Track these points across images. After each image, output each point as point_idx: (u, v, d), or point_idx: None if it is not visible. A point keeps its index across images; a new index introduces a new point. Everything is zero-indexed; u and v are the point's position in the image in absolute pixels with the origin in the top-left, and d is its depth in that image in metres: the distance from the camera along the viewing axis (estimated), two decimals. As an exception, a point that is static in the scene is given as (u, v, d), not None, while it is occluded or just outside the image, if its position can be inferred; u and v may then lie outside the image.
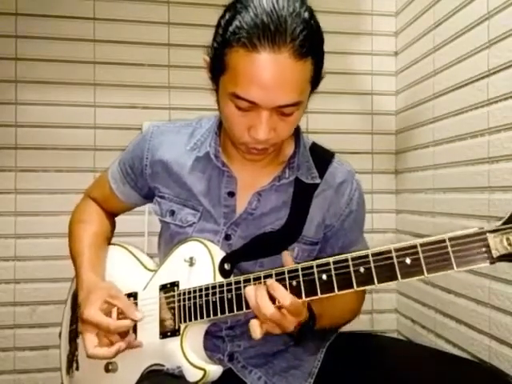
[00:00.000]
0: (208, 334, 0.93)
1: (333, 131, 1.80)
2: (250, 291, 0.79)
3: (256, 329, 0.77)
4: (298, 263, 0.79)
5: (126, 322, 0.91)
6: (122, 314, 0.93)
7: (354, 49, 1.82)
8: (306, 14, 0.77)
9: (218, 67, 0.81)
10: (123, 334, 0.92)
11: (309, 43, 0.76)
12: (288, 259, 0.81)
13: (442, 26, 1.50)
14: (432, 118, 1.56)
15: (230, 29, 0.77)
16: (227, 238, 0.94)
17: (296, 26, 0.74)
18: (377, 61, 1.84)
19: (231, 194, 0.95)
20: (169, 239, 1.00)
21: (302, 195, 0.95)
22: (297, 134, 0.98)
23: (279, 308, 0.76)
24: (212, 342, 0.96)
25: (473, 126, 1.33)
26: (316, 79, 0.82)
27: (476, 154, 1.32)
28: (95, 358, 0.90)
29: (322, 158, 1.00)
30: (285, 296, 0.76)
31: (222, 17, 0.81)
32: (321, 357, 1.00)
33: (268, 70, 0.75)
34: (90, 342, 0.90)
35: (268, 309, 0.76)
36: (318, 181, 0.96)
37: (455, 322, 1.42)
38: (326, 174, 0.98)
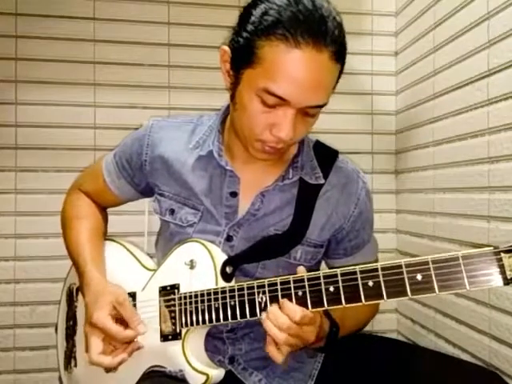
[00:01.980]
0: (208, 336, 0.92)
1: (333, 131, 1.80)
2: (264, 318, 0.77)
3: (275, 355, 0.77)
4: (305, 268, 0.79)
5: (133, 333, 0.89)
6: (125, 322, 0.91)
7: (354, 49, 1.82)
8: (339, 19, 0.77)
9: (245, 59, 0.77)
10: (127, 341, 0.91)
11: (342, 48, 0.77)
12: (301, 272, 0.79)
13: (441, 25, 1.50)
14: (432, 117, 1.55)
15: (268, 20, 0.74)
16: (229, 239, 0.93)
17: (334, 29, 0.74)
18: (377, 61, 1.84)
19: (234, 194, 0.93)
20: (168, 238, 0.99)
21: (307, 196, 0.93)
22: None
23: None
24: (212, 344, 0.95)
25: (473, 126, 1.33)
26: (335, 84, 0.82)
27: (476, 154, 1.31)
28: (98, 365, 0.88)
29: (326, 157, 0.98)
30: (295, 311, 0.74)
31: (253, 7, 0.78)
32: (321, 358, 1.00)
33: (308, 69, 0.73)
34: (94, 347, 0.89)
35: (280, 331, 0.75)
36: (322, 181, 0.94)
37: (455, 322, 1.42)
38: (330, 174, 0.96)
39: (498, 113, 1.22)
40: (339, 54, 0.76)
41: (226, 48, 0.82)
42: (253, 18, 0.77)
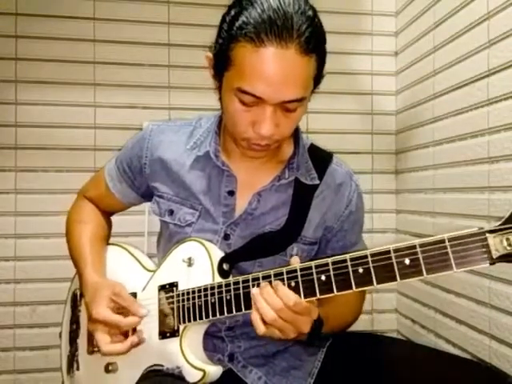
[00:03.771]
0: (207, 335, 0.93)
1: (333, 131, 1.80)
2: (255, 292, 0.78)
3: (258, 323, 0.77)
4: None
5: (135, 319, 0.92)
6: (125, 311, 0.92)
7: (354, 49, 1.82)
8: (311, 12, 0.78)
9: (222, 63, 0.81)
10: (129, 333, 0.93)
11: (314, 40, 0.77)
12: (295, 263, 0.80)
13: (441, 25, 1.50)
14: (432, 117, 1.56)
15: (237, 24, 0.77)
16: (226, 237, 0.94)
17: (302, 23, 0.76)
18: (377, 61, 1.84)
19: (231, 193, 0.95)
20: (168, 239, 1.00)
21: (302, 196, 0.95)
22: (296, 134, 0.98)
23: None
24: (212, 343, 0.96)
25: (473, 126, 1.33)
26: (318, 77, 0.84)
27: (476, 154, 1.32)
28: (111, 354, 0.91)
29: (321, 159, 1.00)
30: (288, 297, 0.76)
31: (227, 13, 0.82)
32: (321, 357, 1.00)
33: (275, 65, 0.76)
34: (102, 339, 0.91)
35: (271, 310, 0.76)
36: (317, 182, 0.96)
37: (455, 322, 1.42)
38: (325, 176, 0.97)
39: (498, 113, 1.22)
40: (308, 46, 0.77)
41: (209, 54, 0.86)
42: (225, 24, 0.81)
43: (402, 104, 1.80)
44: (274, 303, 0.76)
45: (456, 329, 1.41)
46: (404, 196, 1.79)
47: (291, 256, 0.94)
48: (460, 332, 1.39)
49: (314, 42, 0.77)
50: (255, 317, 0.78)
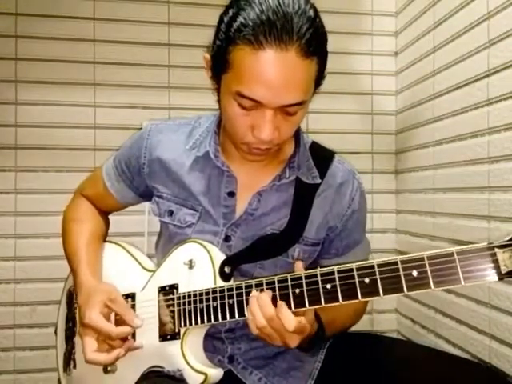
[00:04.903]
0: (207, 336, 0.92)
1: (333, 131, 1.80)
2: (254, 295, 0.78)
3: (251, 326, 0.78)
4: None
5: (127, 329, 0.90)
6: (120, 318, 0.91)
7: (354, 49, 1.82)
8: (311, 12, 0.75)
9: (220, 65, 0.79)
10: (123, 338, 0.91)
11: (315, 42, 0.75)
12: (300, 269, 0.80)
13: (441, 25, 1.50)
14: (432, 117, 1.56)
15: (234, 25, 0.75)
16: (227, 239, 0.93)
17: (302, 24, 0.73)
18: (377, 61, 1.84)
19: (231, 194, 0.94)
20: (168, 239, 0.99)
21: (303, 195, 0.94)
22: (297, 133, 0.96)
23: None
24: (212, 344, 0.95)
25: (473, 126, 1.33)
26: (319, 78, 0.81)
27: (476, 154, 1.32)
28: (93, 363, 0.89)
29: (323, 157, 0.98)
30: (290, 321, 0.74)
31: (225, 13, 0.79)
32: (321, 357, 1.00)
33: (274, 69, 0.73)
34: (89, 346, 0.89)
35: (262, 317, 0.76)
36: (318, 181, 0.95)
37: (455, 322, 1.42)
38: (327, 174, 0.96)
39: (498, 113, 1.22)
40: (309, 49, 0.74)
41: (207, 55, 0.84)
42: (223, 25, 0.78)
43: (402, 104, 1.80)
44: (266, 312, 0.75)
45: (456, 329, 1.41)
46: (404, 196, 1.79)
47: (293, 257, 0.94)
48: (460, 332, 1.39)
49: (315, 44, 0.74)
50: (250, 319, 0.78)
